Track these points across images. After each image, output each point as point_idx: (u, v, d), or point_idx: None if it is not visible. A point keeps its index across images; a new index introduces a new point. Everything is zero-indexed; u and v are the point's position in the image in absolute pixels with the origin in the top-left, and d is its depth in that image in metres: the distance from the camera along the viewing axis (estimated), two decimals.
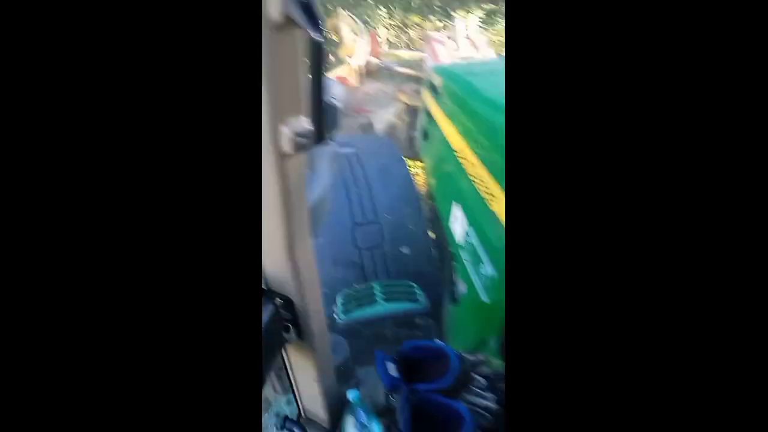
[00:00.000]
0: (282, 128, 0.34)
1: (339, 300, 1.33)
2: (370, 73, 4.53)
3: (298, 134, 0.34)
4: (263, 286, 0.53)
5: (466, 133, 1.14)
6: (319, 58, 0.29)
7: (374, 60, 4.62)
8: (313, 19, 0.28)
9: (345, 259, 1.45)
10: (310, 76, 0.30)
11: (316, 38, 0.28)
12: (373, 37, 4.57)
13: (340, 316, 1.26)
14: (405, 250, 1.49)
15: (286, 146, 0.35)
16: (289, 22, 0.28)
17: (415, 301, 1.32)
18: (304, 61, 0.32)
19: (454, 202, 1.11)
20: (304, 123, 0.34)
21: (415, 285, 1.38)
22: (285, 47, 0.30)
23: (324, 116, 0.32)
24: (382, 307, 1.27)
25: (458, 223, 1.10)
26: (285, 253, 0.46)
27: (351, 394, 0.66)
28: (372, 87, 4.43)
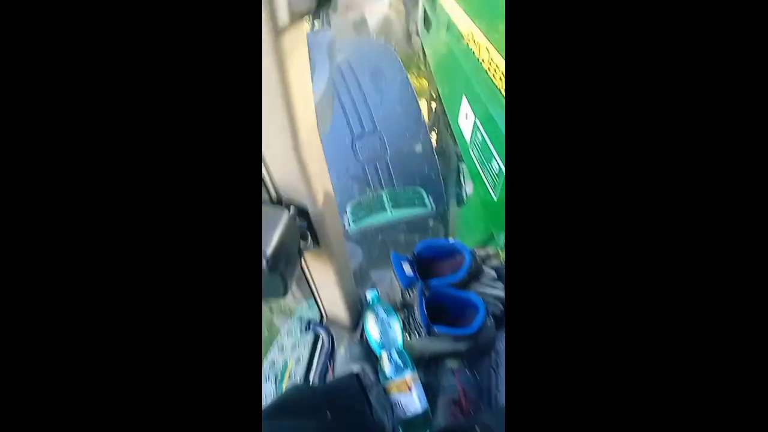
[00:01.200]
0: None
1: (348, 210, 1.34)
2: None
3: None
4: (274, 194, 0.51)
5: (476, 15, 1.00)
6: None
7: None
8: None
9: (348, 173, 1.43)
10: None
11: None
12: None
13: (351, 226, 1.29)
14: (410, 153, 1.46)
15: (284, 15, 0.29)
16: None
17: (423, 205, 1.33)
18: None
19: (464, 96, 1.03)
20: None
21: (422, 190, 1.37)
22: None
23: None
24: (390, 214, 1.28)
25: (467, 120, 1.03)
26: (294, 157, 0.43)
27: (370, 294, 0.69)
28: None
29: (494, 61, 0.86)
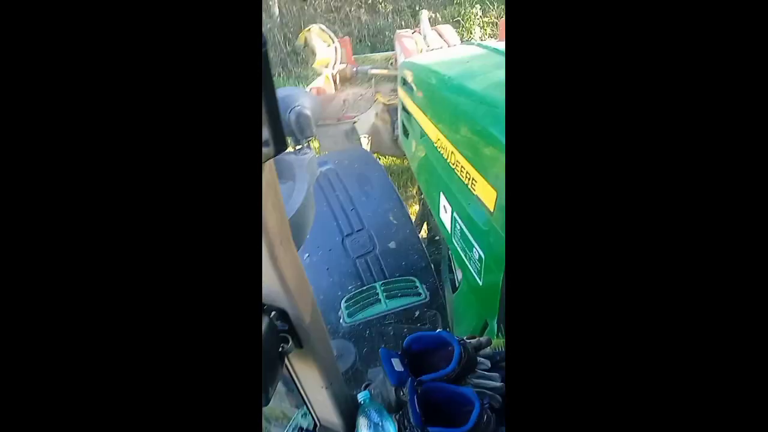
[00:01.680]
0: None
1: (343, 305, 1.34)
2: (345, 79, 4.56)
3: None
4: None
5: (440, 122, 1.16)
6: (266, 67, 0.30)
7: (348, 66, 4.65)
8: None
9: (340, 270, 1.47)
10: (264, 84, 0.31)
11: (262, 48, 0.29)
12: (344, 43, 4.63)
13: (345, 320, 1.28)
14: (392, 245, 1.51)
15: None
16: None
17: (418, 294, 1.34)
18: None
19: (441, 193, 1.13)
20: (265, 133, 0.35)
21: (415, 279, 1.39)
22: None
23: (279, 125, 0.33)
24: (385, 305, 1.28)
25: (446, 213, 1.11)
26: (269, 263, 0.47)
27: (361, 396, 0.67)
28: (350, 93, 4.48)
29: (459, 162, 0.97)
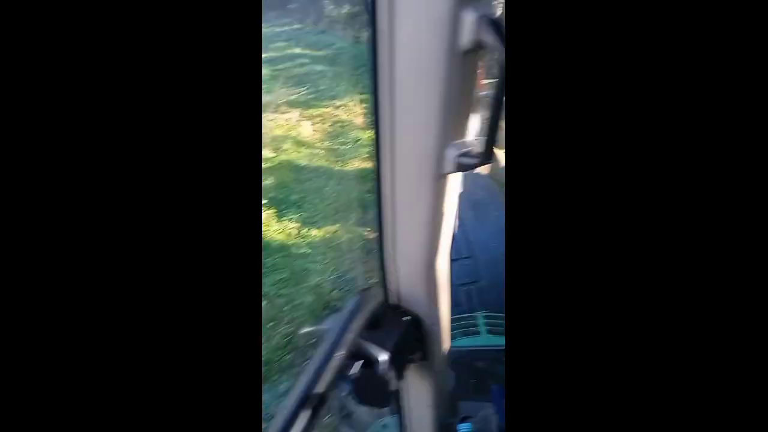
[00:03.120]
0: (447, 150, 0.36)
1: None
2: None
3: (465, 155, 0.36)
4: (396, 302, 0.55)
5: None
6: (504, 78, 0.31)
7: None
8: (503, 38, 0.29)
9: None
10: (495, 98, 0.32)
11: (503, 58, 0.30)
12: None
13: None
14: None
15: (449, 168, 0.37)
16: (476, 47, 0.31)
17: None
18: (480, 84, 0.34)
19: None
20: (471, 145, 0.36)
21: None
22: (467, 71, 0.33)
23: (497, 136, 0.34)
24: (486, 339, 1.21)
25: None
26: (424, 271, 0.48)
27: (463, 428, 0.64)
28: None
29: None
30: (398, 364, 0.54)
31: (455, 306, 1.43)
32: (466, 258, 1.56)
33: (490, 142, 0.34)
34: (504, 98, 0.31)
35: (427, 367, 0.59)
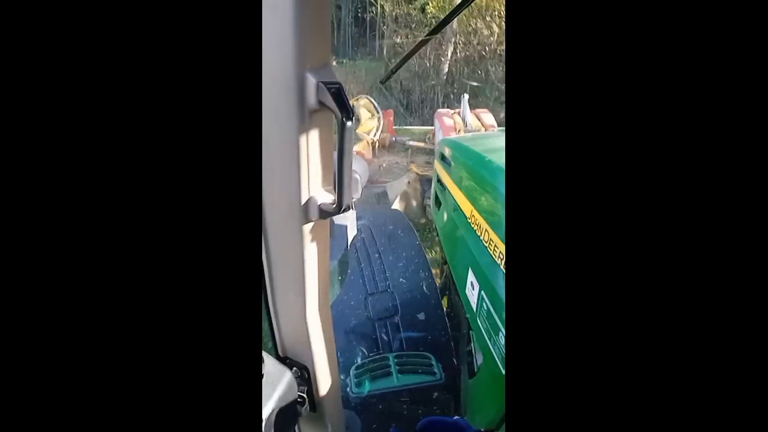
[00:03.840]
0: (312, 198, 0.38)
1: (352, 373, 1.28)
2: (384, 147, 4.93)
3: (325, 204, 0.38)
4: (279, 353, 0.53)
5: (474, 200, 1.19)
6: (345, 136, 0.34)
7: (388, 135, 5.06)
8: (342, 104, 0.33)
9: (358, 331, 1.43)
10: (338, 154, 0.35)
11: (344, 120, 0.33)
12: (388, 115, 5.06)
13: (353, 390, 1.21)
14: (421, 316, 1.47)
15: (314, 216, 0.39)
16: (322, 107, 0.34)
17: (432, 373, 1.26)
18: (333, 140, 0.37)
19: (470, 268, 1.12)
20: (331, 194, 0.39)
21: (431, 356, 1.33)
22: (319, 128, 0.36)
23: (348, 188, 0.36)
24: (396, 380, 1.21)
25: (473, 290, 1.09)
26: (301, 316, 0.47)
27: None
28: (386, 160, 4.79)
29: (493, 240, 0.97)
30: (284, 419, 0.51)
31: (372, 346, 1.41)
32: (383, 292, 1.57)
33: (342, 191, 0.37)
34: (348, 153, 0.35)
35: (319, 418, 0.57)
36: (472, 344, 1.37)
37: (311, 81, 0.33)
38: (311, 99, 0.34)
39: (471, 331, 1.38)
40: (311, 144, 0.36)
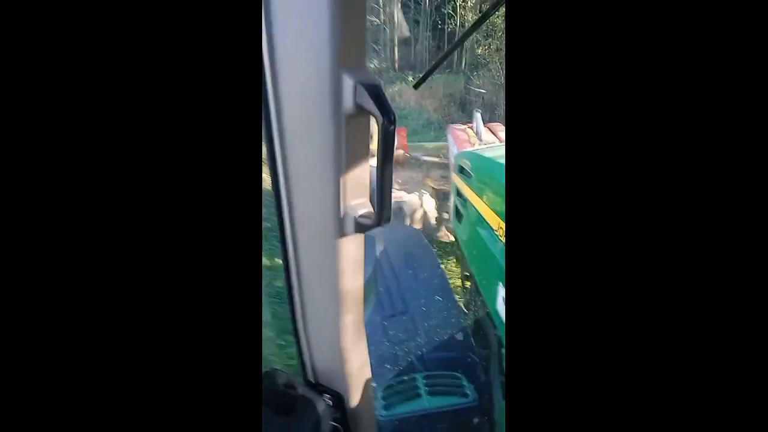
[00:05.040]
0: (348, 211, 0.35)
1: (379, 394, 1.22)
2: (398, 163, 4.95)
3: (363, 216, 0.35)
4: (311, 380, 0.50)
5: (501, 212, 1.14)
6: (387, 143, 0.31)
7: (402, 152, 5.08)
8: (384, 106, 0.30)
9: (379, 355, 1.38)
10: (379, 162, 0.32)
11: (386, 124, 0.30)
12: (401, 132, 5.09)
13: (381, 413, 1.15)
14: (445, 335, 1.41)
15: (349, 230, 0.36)
16: (359, 111, 0.31)
17: (463, 395, 1.19)
18: (370, 148, 0.34)
19: (500, 283, 1.06)
20: (366, 206, 0.36)
21: (462, 376, 1.26)
22: (356, 134, 0.33)
23: (389, 198, 0.33)
24: (426, 402, 1.15)
25: (504, 305, 1.04)
26: (338, 343, 0.44)
27: None
28: (401, 176, 4.80)
29: None
30: None
31: (393, 368, 1.36)
32: (401, 314, 1.52)
33: (383, 203, 0.34)
34: (389, 161, 0.32)
35: None
36: (503, 363, 1.30)
37: (348, 83, 0.30)
38: (348, 102, 0.31)
39: (503, 349, 1.32)
40: (347, 152, 0.33)
